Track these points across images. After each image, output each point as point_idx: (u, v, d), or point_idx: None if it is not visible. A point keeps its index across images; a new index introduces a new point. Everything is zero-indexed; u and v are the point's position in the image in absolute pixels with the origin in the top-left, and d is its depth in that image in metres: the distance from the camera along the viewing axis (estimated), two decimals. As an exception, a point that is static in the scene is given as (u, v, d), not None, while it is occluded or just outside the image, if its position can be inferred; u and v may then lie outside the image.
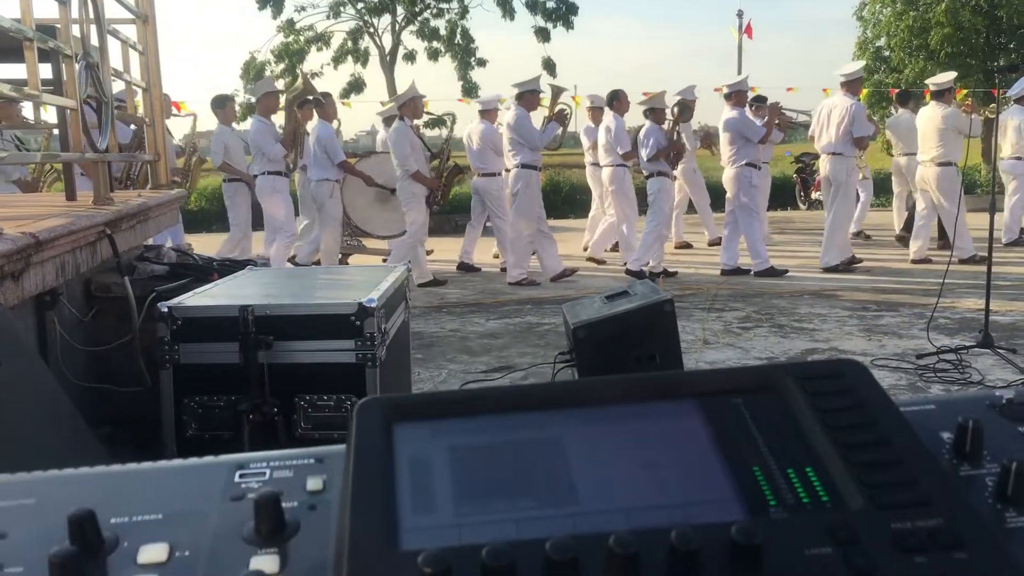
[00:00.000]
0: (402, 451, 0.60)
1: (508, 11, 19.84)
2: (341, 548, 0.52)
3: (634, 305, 4.64)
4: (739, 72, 13.15)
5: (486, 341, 6.14)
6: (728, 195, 9.03)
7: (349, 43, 20.10)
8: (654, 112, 8.72)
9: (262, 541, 0.56)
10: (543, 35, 20.29)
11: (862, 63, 9.54)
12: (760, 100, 10.61)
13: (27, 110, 7.32)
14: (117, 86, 4.43)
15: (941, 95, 8.94)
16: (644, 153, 8.69)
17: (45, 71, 4.00)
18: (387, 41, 20.07)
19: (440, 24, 20.06)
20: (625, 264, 8.88)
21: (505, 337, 6.24)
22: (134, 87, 4.98)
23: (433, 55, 20.05)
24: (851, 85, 8.84)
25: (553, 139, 9.16)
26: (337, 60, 20.09)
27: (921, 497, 0.54)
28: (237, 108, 10.73)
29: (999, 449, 0.63)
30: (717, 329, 6.32)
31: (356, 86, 20.05)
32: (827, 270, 8.74)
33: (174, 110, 9.32)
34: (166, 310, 2.79)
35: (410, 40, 20.29)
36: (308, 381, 2.82)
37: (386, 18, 19.93)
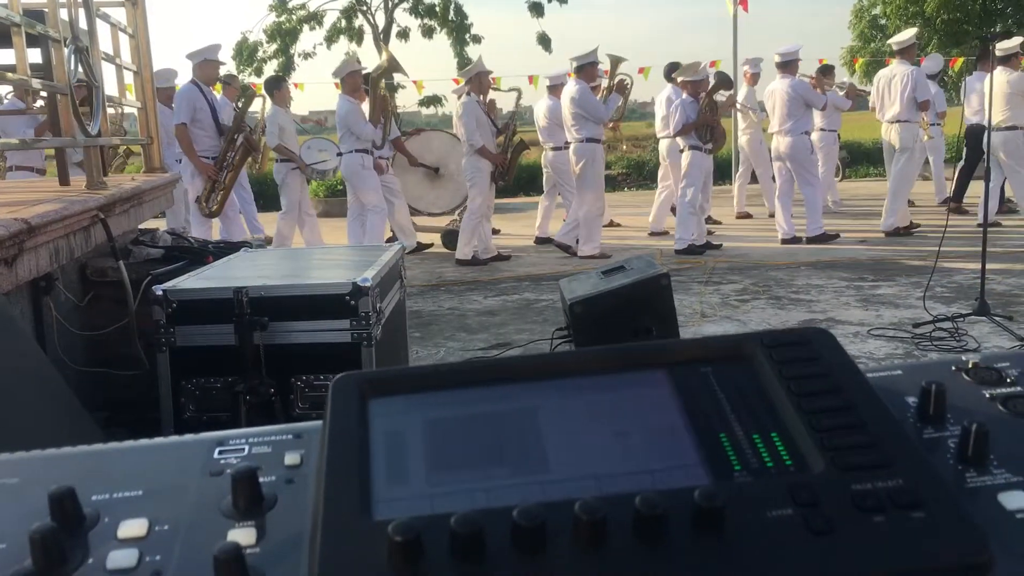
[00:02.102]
0: (377, 425, 0.61)
1: (501, -14, 19.71)
2: (316, 519, 0.53)
3: (630, 280, 4.65)
4: (734, 44, 13.06)
5: (484, 318, 6.16)
6: (780, 163, 9.12)
7: (342, 22, 19.98)
8: (692, 84, 8.66)
9: (240, 515, 0.58)
10: (537, 10, 20.15)
11: (914, 30, 9.55)
12: (826, 70, 10.61)
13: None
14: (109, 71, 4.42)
15: (1007, 60, 8.97)
16: (672, 125, 8.70)
17: (35, 56, 3.99)
18: (380, 19, 19.95)
19: (434, 0, 19.93)
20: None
21: (503, 314, 6.26)
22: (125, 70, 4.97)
23: (428, 32, 19.94)
24: (906, 52, 8.99)
25: (616, 110, 9.21)
26: (330, 39, 19.98)
27: (882, 459, 0.55)
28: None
29: (963, 412, 0.64)
30: (714, 302, 6.33)
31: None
32: (888, 234, 8.92)
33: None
34: (161, 293, 2.81)
35: (403, 17, 20.19)
36: (304, 361, 2.84)
37: (379, -5, 19.82)
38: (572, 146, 8.51)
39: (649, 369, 0.65)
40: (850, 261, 7.76)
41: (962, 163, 9.81)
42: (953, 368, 0.70)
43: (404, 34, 20.19)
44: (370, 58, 17.23)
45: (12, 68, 3.20)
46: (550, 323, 5.63)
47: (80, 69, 3.62)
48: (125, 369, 3.30)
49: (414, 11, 19.91)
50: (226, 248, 3.95)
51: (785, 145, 8.94)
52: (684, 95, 8.66)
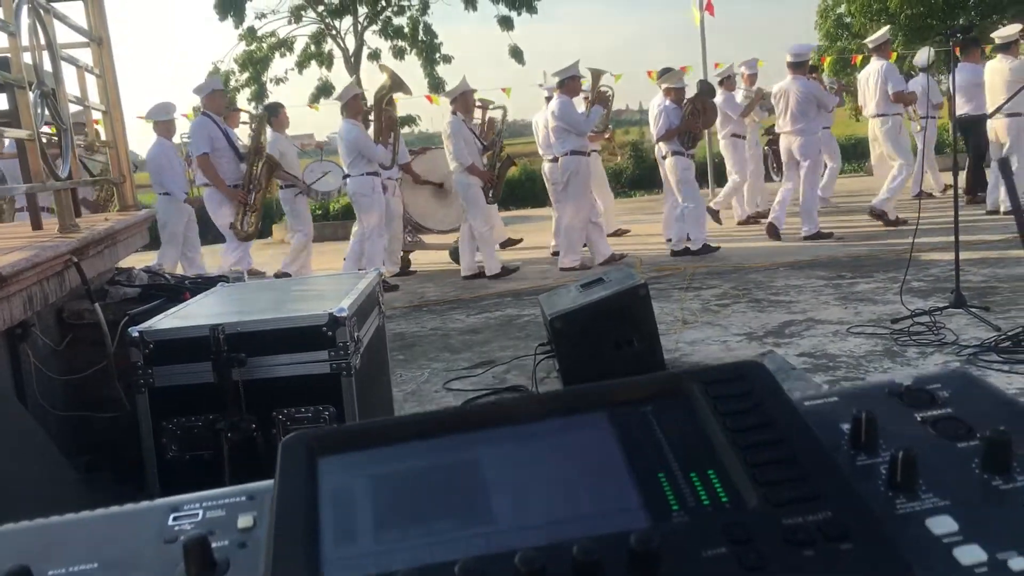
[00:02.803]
0: (326, 484, 0.62)
1: (470, 2, 19.80)
2: None
3: (609, 292, 4.68)
4: (703, 50, 13.18)
5: (467, 337, 6.17)
6: (793, 161, 9.26)
7: (312, 47, 20.01)
8: (674, 91, 8.78)
9: None
10: (507, 23, 20.25)
11: (887, 28, 9.81)
12: (812, 70, 10.75)
13: None
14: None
15: (1007, 47, 9.14)
16: (656, 131, 8.82)
17: (0, 101, 3.99)
18: (350, 43, 19.99)
19: (402, 21, 20.01)
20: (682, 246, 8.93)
21: (486, 332, 6.27)
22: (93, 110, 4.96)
23: (398, 53, 20.00)
24: (879, 50, 9.36)
25: (599, 121, 9.32)
26: (301, 65, 20.01)
27: (811, 492, 0.56)
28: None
29: (896, 437, 0.66)
30: (695, 308, 6.36)
31: (325, 91, 19.97)
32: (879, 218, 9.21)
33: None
34: (137, 335, 2.80)
35: (373, 40, 20.25)
36: (285, 395, 2.84)
37: (348, 20, 19.86)
38: (558, 160, 8.64)
39: (589, 412, 0.67)
40: (828, 259, 7.82)
41: (968, 156, 10.07)
42: (887, 392, 0.72)
43: (375, 56, 20.25)
44: (342, 81, 17.26)
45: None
46: (533, 338, 5.65)
47: (47, 113, 3.62)
48: (105, 411, 3.29)
49: (383, 33, 19.97)
50: (203, 283, 3.95)
51: (798, 145, 9.11)
52: (667, 101, 8.74)
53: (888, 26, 10.26)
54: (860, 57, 12.29)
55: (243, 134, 8.56)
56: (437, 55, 19.89)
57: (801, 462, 0.59)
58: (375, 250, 8.27)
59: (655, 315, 4.77)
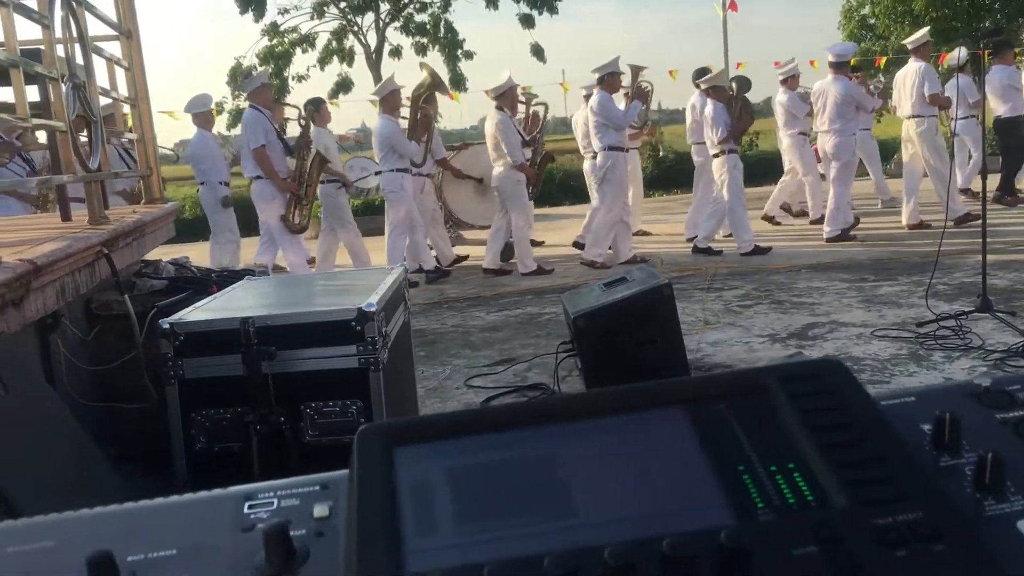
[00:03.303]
0: (403, 475, 0.62)
1: (491, 0, 19.81)
2: (350, 574, 0.54)
3: (632, 291, 4.67)
4: (725, 47, 13.14)
5: (488, 335, 6.16)
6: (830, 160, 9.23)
7: (334, 43, 20.06)
8: (716, 90, 8.75)
9: (273, 571, 0.59)
10: (527, 22, 20.25)
11: (926, 29, 9.72)
12: (856, 70, 10.70)
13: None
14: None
15: None
16: (714, 134, 8.69)
17: (32, 93, 4.02)
18: (372, 39, 20.04)
19: (424, 18, 20.03)
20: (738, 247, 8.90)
21: (506, 329, 6.27)
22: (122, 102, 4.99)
23: (420, 50, 20.03)
24: (918, 51, 9.26)
25: (638, 117, 9.36)
26: (323, 61, 20.08)
27: (901, 492, 0.56)
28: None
29: (978, 438, 0.65)
30: (717, 309, 6.34)
31: (344, 86, 20.02)
32: (958, 221, 8.95)
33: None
34: (168, 327, 2.81)
35: (395, 36, 20.29)
36: (313, 389, 2.84)
37: (370, 16, 19.90)
38: (597, 155, 8.66)
39: (666, 407, 0.66)
40: (849, 262, 7.78)
41: (1001, 156, 9.99)
42: (965, 393, 0.71)
43: (396, 53, 20.28)
44: (362, 78, 17.28)
45: (12, 107, 3.22)
46: (554, 336, 5.64)
47: (78, 105, 3.64)
48: (133, 402, 3.31)
49: (405, 30, 20.00)
50: (229, 277, 3.97)
51: (832, 144, 9.09)
52: (715, 103, 8.69)
53: (927, 27, 10.14)
54: (884, 59, 12.18)
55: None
56: (459, 52, 19.89)
57: (888, 462, 0.58)
58: (396, 245, 8.32)
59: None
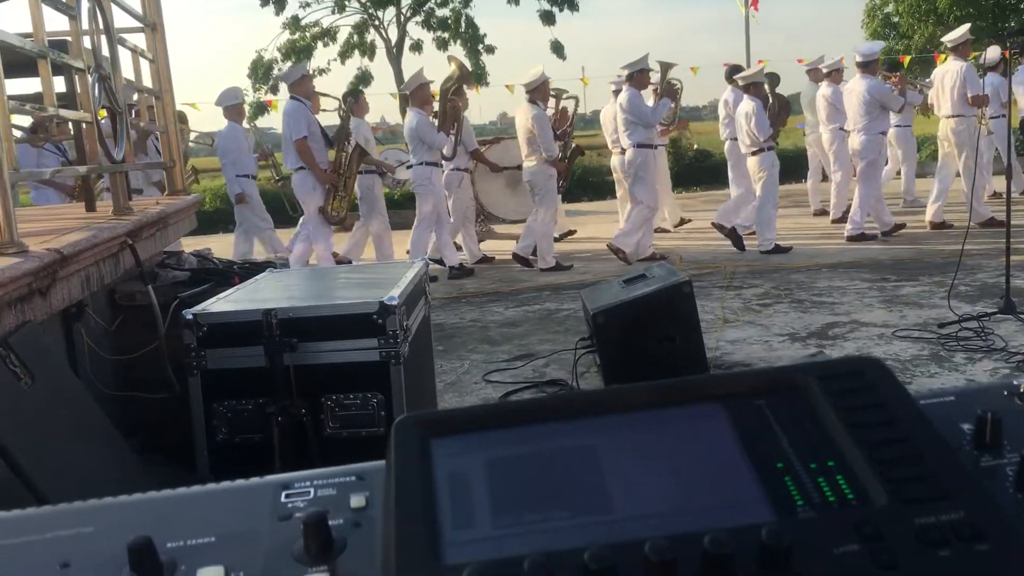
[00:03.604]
0: (440, 466, 0.62)
1: (513, -4, 19.81)
2: (388, 565, 0.54)
3: (652, 288, 4.65)
4: (747, 45, 13.08)
5: (506, 330, 6.17)
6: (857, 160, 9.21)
7: (355, 37, 20.12)
8: (755, 87, 8.72)
9: (312, 559, 0.59)
10: (548, 18, 20.23)
11: (967, 26, 9.60)
12: (893, 68, 10.64)
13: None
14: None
15: None
16: (757, 132, 8.62)
17: (58, 84, 4.04)
18: (393, 33, 20.07)
19: (445, 13, 20.04)
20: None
21: (525, 325, 6.27)
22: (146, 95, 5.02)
23: (441, 44, 20.05)
24: (958, 50, 9.12)
25: (667, 114, 9.38)
26: (344, 55, 20.13)
27: (943, 491, 0.55)
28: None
29: (1018, 438, 0.64)
30: (736, 307, 6.32)
31: (364, 79, 20.08)
32: (981, 225, 8.87)
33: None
34: (191, 317, 2.83)
35: (416, 31, 20.32)
36: (334, 381, 2.85)
37: (391, 10, 19.94)
38: (626, 152, 8.67)
39: (705, 403, 0.66)
40: (871, 262, 7.73)
41: None
42: (1005, 393, 0.70)
43: (417, 47, 20.30)
44: (383, 72, 17.31)
45: (39, 98, 3.25)
46: (572, 333, 5.63)
47: (104, 96, 3.66)
48: (155, 392, 3.33)
49: (426, 24, 20.02)
50: (251, 269, 3.98)
51: (858, 143, 9.06)
52: (754, 100, 8.63)
53: (968, 24, 9.98)
54: (908, 58, 12.08)
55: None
56: (480, 46, 19.90)
57: (929, 460, 0.58)
58: (421, 239, 8.36)
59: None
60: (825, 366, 0.67)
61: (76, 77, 3.57)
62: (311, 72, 8.70)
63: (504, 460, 0.63)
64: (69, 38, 3.58)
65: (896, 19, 19.99)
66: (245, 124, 9.16)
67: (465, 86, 8.79)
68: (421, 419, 0.65)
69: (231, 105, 8.73)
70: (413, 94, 8.31)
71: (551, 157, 8.42)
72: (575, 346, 4.98)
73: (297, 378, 2.81)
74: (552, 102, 9.44)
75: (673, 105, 9.68)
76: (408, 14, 19.96)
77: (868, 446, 0.60)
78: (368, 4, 19.84)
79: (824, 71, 10.21)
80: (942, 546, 0.52)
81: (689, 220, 10.82)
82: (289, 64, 8.64)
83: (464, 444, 0.64)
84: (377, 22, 20.17)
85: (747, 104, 8.62)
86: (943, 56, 10.34)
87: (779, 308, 6.20)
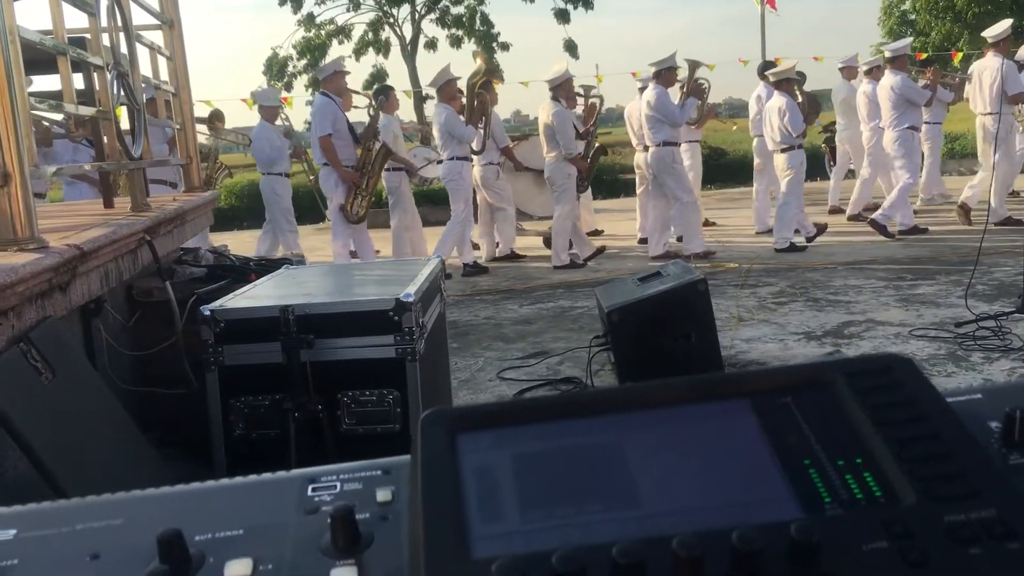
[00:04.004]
0: (467, 461, 0.62)
1: (527, -7, 19.81)
2: (416, 559, 0.55)
3: (667, 286, 4.65)
4: (762, 42, 13.03)
5: (520, 327, 6.17)
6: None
7: (370, 35, 20.16)
8: (786, 83, 8.72)
9: (339, 553, 0.59)
10: (563, 16, 20.22)
11: (1008, 22, 9.52)
12: (926, 64, 10.62)
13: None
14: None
15: None
16: (791, 128, 8.61)
17: (76, 80, 4.07)
18: (407, 31, 20.10)
19: (460, 11, 20.06)
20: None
21: (539, 322, 6.27)
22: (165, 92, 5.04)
23: (455, 42, 20.07)
24: (999, 46, 9.04)
25: (694, 113, 9.48)
26: (358, 52, 20.18)
27: (972, 489, 0.55)
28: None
29: None
30: (751, 305, 6.30)
31: (379, 77, 20.11)
32: (997, 224, 8.82)
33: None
34: (209, 313, 2.84)
35: (430, 28, 20.34)
36: (350, 377, 2.86)
37: (405, 8, 19.97)
38: (650, 149, 8.67)
39: (731, 399, 0.66)
40: (887, 260, 7.69)
41: None
42: None
43: (432, 44, 20.33)
44: (397, 69, 17.35)
45: (59, 95, 3.27)
46: (586, 331, 5.63)
47: (122, 93, 3.68)
48: (172, 388, 3.35)
49: (441, 22, 20.04)
50: (267, 265, 4.00)
51: (889, 139, 9.08)
52: (787, 97, 8.62)
53: (1009, 19, 9.86)
54: (924, 55, 12.01)
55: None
56: (495, 44, 19.91)
57: (957, 458, 0.58)
58: (452, 234, 8.42)
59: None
60: (853, 363, 0.67)
61: (94, 74, 3.58)
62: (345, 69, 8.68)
63: (531, 455, 0.63)
64: (88, 35, 3.60)
65: (913, 16, 19.86)
66: (279, 122, 9.20)
67: (491, 81, 8.81)
68: (448, 414, 0.66)
69: (268, 106, 8.81)
70: (441, 89, 8.37)
71: (570, 154, 8.44)
72: (590, 344, 4.99)
73: (314, 374, 2.82)
74: (580, 100, 9.48)
75: (700, 104, 9.70)
76: (423, 11, 19.99)
77: (896, 443, 0.59)
78: (383, 2, 19.88)
79: (864, 68, 10.17)
80: (972, 544, 0.52)
81: (714, 223, 10.78)
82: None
83: (491, 439, 0.64)
84: (392, 20, 20.21)
85: (778, 100, 8.60)
86: (960, 53, 10.28)
87: (794, 307, 6.18)
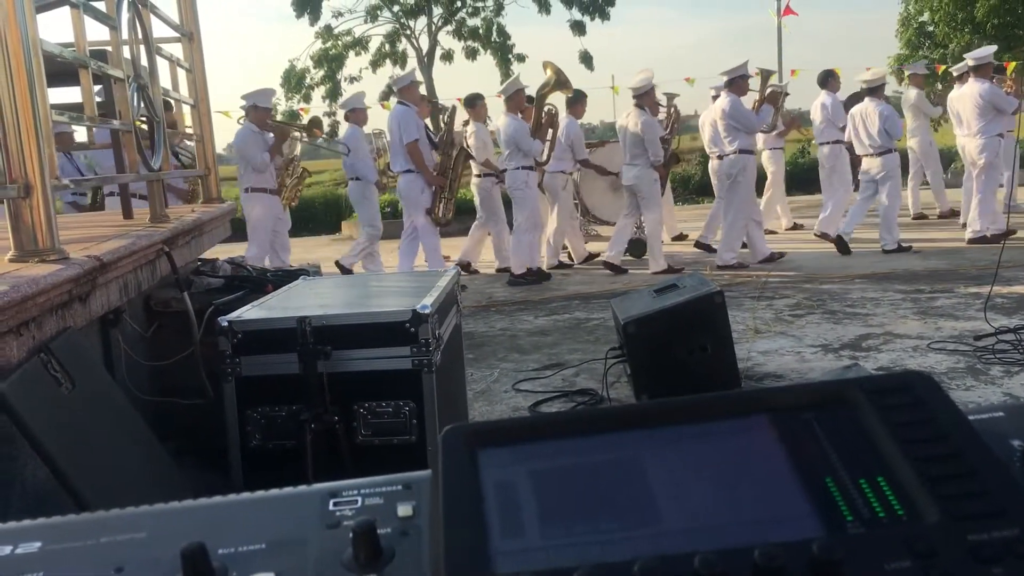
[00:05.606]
0: (488, 476, 0.62)
1: (544, 6, 19.86)
2: (438, 574, 0.55)
3: (683, 298, 4.63)
4: (779, 53, 13.02)
5: (536, 339, 6.16)
6: (974, 163, 9.27)
7: (386, 46, 20.27)
8: (879, 90, 8.85)
9: (361, 568, 0.59)
10: (579, 28, 20.26)
11: (992, 48, 9.61)
12: (1000, 71, 10.62)
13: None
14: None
15: None
16: (892, 131, 8.75)
17: (96, 92, 4.10)
18: (424, 43, 20.20)
19: (476, 23, 20.15)
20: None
21: (554, 334, 6.26)
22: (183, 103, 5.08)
23: (471, 54, 20.15)
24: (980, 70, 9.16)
25: (770, 120, 9.58)
26: (375, 64, 20.29)
27: (996, 507, 0.55)
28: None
29: None
30: (768, 317, 6.27)
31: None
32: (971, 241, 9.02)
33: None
34: (226, 324, 2.86)
35: (447, 40, 20.44)
36: (366, 389, 2.86)
37: (422, 20, 20.07)
38: (726, 157, 8.72)
39: (751, 416, 0.66)
40: (905, 272, 7.65)
41: None
42: None
43: (448, 56, 20.41)
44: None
45: (80, 107, 3.30)
46: (602, 342, 5.62)
47: (142, 105, 3.72)
48: (190, 398, 3.36)
49: (457, 34, 20.12)
50: (284, 276, 4.02)
51: (976, 148, 9.10)
52: (882, 104, 8.78)
53: (993, 47, 9.97)
54: (943, 67, 11.96)
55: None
56: (510, 55, 19.97)
57: (981, 476, 0.57)
58: (522, 244, 8.49)
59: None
60: (875, 380, 0.67)
61: (114, 86, 3.62)
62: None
63: (552, 471, 0.63)
64: (109, 48, 3.64)
65: (931, 28, 19.78)
66: (366, 129, 9.25)
67: (561, 92, 8.86)
68: (469, 429, 0.66)
69: (358, 109, 8.88)
70: (510, 99, 8.46)
71: (658, 162, 8.55)
72: (605, 355, 4.97)
73: (330, 385, 2.83)
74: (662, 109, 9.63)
75: (775, 111, 9.79)
76: (439, 23, 20.08)
77: (919, 461, 0.59)
78: (400, 14, 19.99)
79: (955, 73, 10.13)
80: (996, 563, 0.52)
81: (801, 226, 10.83)
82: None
83: (512, 455, 0.64)
84: (409, 31, 20.31)
85: (876, 105, 8.75)
86: (1012, 63, 10.27)
87: (811, 319, 6.15)
